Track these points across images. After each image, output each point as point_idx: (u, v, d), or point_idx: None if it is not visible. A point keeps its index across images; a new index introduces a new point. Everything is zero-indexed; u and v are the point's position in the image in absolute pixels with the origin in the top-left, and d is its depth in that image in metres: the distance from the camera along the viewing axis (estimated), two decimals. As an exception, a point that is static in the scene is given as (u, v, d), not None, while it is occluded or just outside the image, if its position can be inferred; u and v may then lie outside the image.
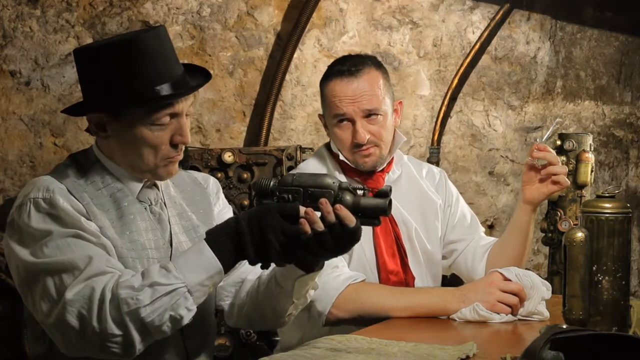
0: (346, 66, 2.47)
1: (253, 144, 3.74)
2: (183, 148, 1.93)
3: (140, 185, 1.95)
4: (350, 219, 1.71)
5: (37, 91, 3.35)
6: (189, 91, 1.90)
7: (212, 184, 2.17)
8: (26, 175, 3.33)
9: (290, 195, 1.74)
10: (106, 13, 3.47)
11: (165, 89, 1.85)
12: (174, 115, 1.88)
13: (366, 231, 2.50)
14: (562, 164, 2.85)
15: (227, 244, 1.73)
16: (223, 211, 2.14)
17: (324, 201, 1.71)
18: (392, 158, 2.58)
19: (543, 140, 2.45)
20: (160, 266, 1.74)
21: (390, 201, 1.75)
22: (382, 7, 4.09)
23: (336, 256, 1.82)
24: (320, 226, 1.70)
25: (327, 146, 2.61)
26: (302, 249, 1.73)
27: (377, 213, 1.75)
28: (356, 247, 2.47)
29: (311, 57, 3.93)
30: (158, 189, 2.00)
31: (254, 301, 2.02)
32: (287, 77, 3.82)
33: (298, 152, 3.40)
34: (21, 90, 3.32)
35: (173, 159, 1.92)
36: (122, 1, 3.50)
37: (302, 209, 1.71)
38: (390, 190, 1.76)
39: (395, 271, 2.50)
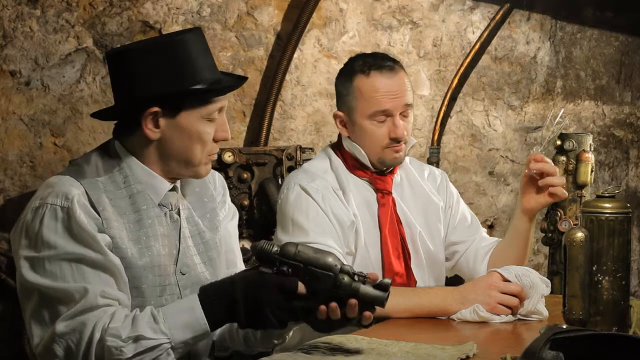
0: (382, 62, 2.46)
1: (253, 144, 3.74)
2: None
3: (166, 189, 1.94)
4: (353, 312, 1.74)
5: (37, 91, 3.35)
6: (241, 81, 1.97)
7: (219, 184, 2.15)
8: (26, 175, 3.33)
9: (290, 269, 1.73)
10: (106, 13, 3.47)
11: (221, 81, 1.91)
12: (220, 110, 1.92)
13: (373, 233, 2.50)
14: (562, 164, 2.84)
15: (219, 306, 1.75)
16: (226, 220, 2.12)
17: (334, 306, 1.73)
18: None
19: (549, 136, 2.46)
20: (150, 313, 1.75)
21: (388, 295, 1.76)
22: (382, 7, 4.09)
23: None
24: (337, 316, 1.73)
25: (332, 146, 2.59)
26: (293, 321, 1.78)
27: (373, 303, 1.76)
28: (360, 248, 2.47)
29: (311, 57, 3.93)
30: (177, 194, 1.99)
31: (232, 338, 2.06)
32: (287, 77, 3.82)
33: (298, 152, 3.40)
34: (21, 90, 3.32)
35: (213, 156, 1.96)
36: (122, 1, 3.50)
37: (300, 285, 1.73)
38: (391, 283, 1.77)
39: (401, 273, 2.50)
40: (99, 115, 1.97)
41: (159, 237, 1.90)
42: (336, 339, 1.91)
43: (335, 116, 2.55)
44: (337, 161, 2.53)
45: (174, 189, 1.97)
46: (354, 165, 2.51)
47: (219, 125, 1.93)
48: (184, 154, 1.91)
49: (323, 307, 1.72)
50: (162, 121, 1.88)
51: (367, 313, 1.75)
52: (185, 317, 1.75)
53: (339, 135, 2.58)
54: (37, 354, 1.78)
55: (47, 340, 1.75)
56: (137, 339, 1.72)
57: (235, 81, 1.99)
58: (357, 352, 1.82)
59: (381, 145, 2.46)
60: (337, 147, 2.57)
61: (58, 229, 1.78)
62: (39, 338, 1.77)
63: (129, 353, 1.71)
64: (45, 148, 3.37)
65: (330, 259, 1.74)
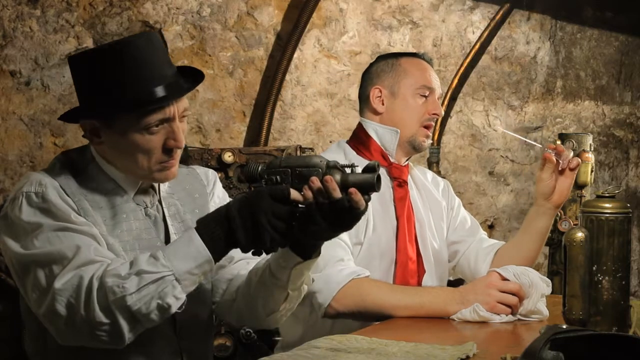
0: (424, 54, 2.66)
1: (253, 144, 3.75)
2: (179, 152, 1.90)
3: (136, 188, 1.94)
4: (336, 193, 1.71)
5: (37, 91, 3.35)
6: (178, 94, 1.87)
7: (211, 179, 2.14)
8: (26, 175, 3.33)
9: (278, 177, 1.74)
10: (106, 13, 3.48)
11: (154, 93, 1.83)
12: (166, 120, 1.85)
13: (386, 219, 2.52)
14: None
15: (217, 231, 1.73)
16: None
17: (314, 179, 1.72)
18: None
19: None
20: (149, 255, 1.74)
21: (379, 176, 1.74)
22: (382, 7, 4.09)
23: (329, 237, 1.82)
24: (317, 185, 1.71)
25: (347, 141, 2.63)
26: (295, 230, 1.73)
27: (366, 189, 1.73)
28: (370, 235, 2.48)
29: (311, 57, 3.93)
30: (155, 192, 1.99)
31: (246, 295, 2.00)
32: (287, 77, 3.82)
33: (298, 152, 3.40)
34: (21, 90, 3.33)
35: (168, 164, 1.89)
36: (122, 1, 3.50)
37: (292, 191, 1.72)
38: (378, 165, 1.76)
39: (413, 259, 2.52)
40: (65, 118, 1.97)
41: (134, 231, 1.90)
42: (336, 338, 1.91)
43: (371, 92, 2.59)
44: (352, 153, 2.56)
45: (151, 187, 1.97)
46: (375, 151, 2.54)
47: (169, 133, 1.85)
48: (129, 163, 1.88)
49: (306, 188, 1.71)
50: (101, 131, 1.87)
51: (352, 190, 1.71)
52: (184, 248, 1.73)
53: (357, 128, 2.62)
54: (41, 316, 1.77)
55: (49, 302, 1.73)
56: (138, 273, 1.70)
57: (174, 92, 1.85)
58: (357, 352, 1.82)
59: (420, 121, 2.55)
60: (354, 139, 2.61)
61: (36, 212, 1.80)
62: (39, 301, 1.76)
63: (131, 288, 1.69)
64: (45, 148, 3.37)
65: (315, 158, 1.75)
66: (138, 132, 1.83)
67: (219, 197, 2.13)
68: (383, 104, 2.56)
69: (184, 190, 2.05)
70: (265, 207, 1.70)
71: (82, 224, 1.81)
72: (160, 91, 1.83)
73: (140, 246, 1.89)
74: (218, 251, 1.74)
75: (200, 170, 2.15)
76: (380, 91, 2.57)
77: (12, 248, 1.81)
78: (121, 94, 1.81)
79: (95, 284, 1.70)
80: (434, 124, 2.60)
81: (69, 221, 1.80)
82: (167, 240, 1.96)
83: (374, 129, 2.57)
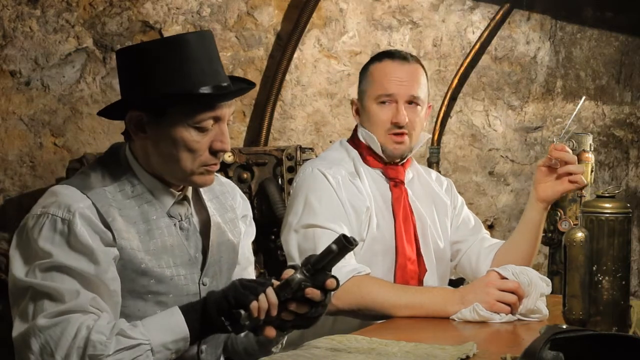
0: (397, 52, 2.61)
1: (253, 144, 3.74)
2: (222, 156, 1.89)
3: (172, 200, 1.90)
4: (317, 296, 1.77)
5: (37, 91, 3.35)
6: (234, 94, 1.87)
7: (240, 198, 2.11)
8: (26, 175, 3.33)
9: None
10: (106, 13, 3.47)
11: (216, 89, 1.82)
12: (216, 120, 1.84)
13: (387, 219, 2.52)
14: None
15: (194, 315, 1.76)
16: (247, 236, 2.12)
17: (255, 305, 1.75)
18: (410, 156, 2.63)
19: (572, 118, 2.52)
20: (131, 324, 1.75)
21: (336, 282, 1.80)
22: (382, 7, 4.09)
23: (307, 324, 1.86)
24: (266, 306, 1.75)
25: (348, 140, 2.64)
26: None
27: (325, 289, 1.80)
28: (373, 233, 2.49)
29: (311, 57, 3.93)
30: (189, 204, 1.95)
31: (233, 349, 2.08)
32: (287, 77, 3.82)
33: (298, 152, 3.40)
34: (21, 90, 3.32)
35: (210, 167, 1.87)
36: (122, 1, 3.50)
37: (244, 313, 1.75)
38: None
39: (412, 259, 2.52)
40: (105, 113, 1.94)
41: (169, 248, 1.87)
42: (336, 338, 1.91)
43: (351, 103, 2.65)
44: (354, 152, 2.59)
45: (184, 198, 1.94)
46: (367, 154, 2.56)
47: (216, 135, 1.84)
48: (172, 163, 1.85)
49: (254, 304, 1.73)
50: (148, 126, 1.84)
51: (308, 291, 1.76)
52: (164, 320, 1.75)
53: (354, 129, 2.64)
54: (13, 339, 1.76)
55: (25, 332, 1.72)
56: (118, 335, 1.70)
57: (229, 92, 1.86)
58: (357, 352, 1.82)
59: (384, 129, 2.52)
60: (352, 139, 2.63)
61: (55, 239, 1.76)
62: (19, 328, 1.74)
63: (110, 350, 1.69)
64: (45, 148, 3.37)
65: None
66: (187, 128, 1.81)
67: (251, 221, 2.13)
68: (359, 115, 2.60)
69: (216, 199, 2.03)
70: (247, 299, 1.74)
71: (96, 264, 1.77)
72: (220, 89, 1.83)
73: (173, 263, 1.88)
74: (194, 330, 1.76)
75: (224, 180, 2.12)
76: (356, 102, 2.61)
77: (15, 267, 1.78)
78: (173, 87, 1.79)
79: (83, 333, 1.70)
80: (402, 130, 2.51)
81: (84, 259, 1.76)
82: (205, 251, 1.95)
83: (361, 133, 2.59)
